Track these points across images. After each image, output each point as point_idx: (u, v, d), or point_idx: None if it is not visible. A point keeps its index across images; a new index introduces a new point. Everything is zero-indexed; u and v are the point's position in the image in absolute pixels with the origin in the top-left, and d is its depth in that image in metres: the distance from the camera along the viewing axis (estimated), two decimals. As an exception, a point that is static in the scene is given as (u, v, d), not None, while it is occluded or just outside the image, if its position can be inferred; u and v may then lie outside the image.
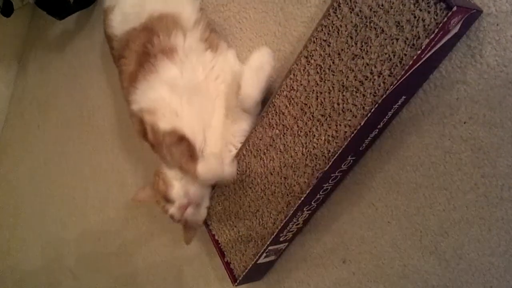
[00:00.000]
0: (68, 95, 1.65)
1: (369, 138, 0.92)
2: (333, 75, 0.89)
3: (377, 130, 0.91)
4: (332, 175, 0.95)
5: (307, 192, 0.95)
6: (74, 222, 1.72)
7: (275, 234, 1.02)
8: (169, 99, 1.09)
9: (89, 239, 1.67)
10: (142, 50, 1.13)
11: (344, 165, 0.95)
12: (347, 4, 0.87)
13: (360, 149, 0.94)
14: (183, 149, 1.06)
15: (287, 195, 0.99)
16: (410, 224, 0.92)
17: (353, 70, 0.86)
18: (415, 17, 0.78)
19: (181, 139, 1.07)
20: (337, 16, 0.88)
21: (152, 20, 1.14)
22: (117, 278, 1.59)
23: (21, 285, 1.96)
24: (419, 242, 0.91)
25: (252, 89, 1.01)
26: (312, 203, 1.00)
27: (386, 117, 0.89)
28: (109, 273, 1.63)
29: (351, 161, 0.95)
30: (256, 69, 1.01)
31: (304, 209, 1.00)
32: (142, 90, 1.12)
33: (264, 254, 1.07)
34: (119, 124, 1.49)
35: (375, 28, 0.83)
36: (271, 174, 1.03)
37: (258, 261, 1.09)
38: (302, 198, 0.96)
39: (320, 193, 0.99)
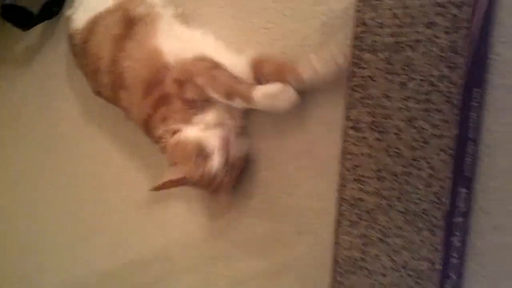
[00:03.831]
0: (35, 108, 1.63)
1: (468, 157, 0.74)
2: (392, 118, 0.78)
3: (471, 142, 0.75)
4: (454, 220, 0.74)
5: (440, 259, 0.72)
6: (48, 247, 1.64)
7: None
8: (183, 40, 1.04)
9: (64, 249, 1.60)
10: (124, 19, 1.09)
11: (461, 203, 0.74)
12: (366, 50, 0.81)
13: (466, 174, 0.75)
14: (226, 73, 0.95)
15: (418, 283, 0.75)
16: None
17: (410, 97, 0.76)
18: (440, 5, 0.73)
19: (216, 64, 0.97)
20: (362, 68, 0.82)
21: (122, 3, 1.13)
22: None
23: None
24: None
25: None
26: (451, 274, 0.75)
27: (472, 122, 0.74)
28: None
29: (465, 194, 0.75)
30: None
31: (447, 287, 0.74)
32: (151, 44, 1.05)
33: None
34: (85, 130, 1.47)
35: (409, 45, 0.77)
36: (384, 276, 0.80)
37: None
38: (438, 269, 0.71)
39: (454, 255, 0.75)
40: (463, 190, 0.75)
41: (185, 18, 1.10)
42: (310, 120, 0.97)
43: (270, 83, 0.92)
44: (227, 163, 0.97)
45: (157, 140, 1.06)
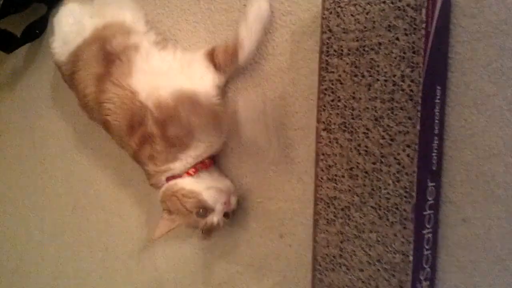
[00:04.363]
0: (18, 130, 1.65)
1: (434, 151, 0.78)
2: (360, 118, 0.81)
3: (436, 137, 0.78)
4: (424, 213, 0.77)
5: (412, 251, 0.75)
6: (32, 257, 1.68)
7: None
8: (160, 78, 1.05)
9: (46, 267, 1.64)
10: (102, 53, 1.09)
11: (429, 197, 0.78)
12: (333, 54, 0.85)
13: (434, 168, 0.78)
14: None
15: (393, 275, 0.77)
16: None
17: (376, 97, 0.79)
18: (399, 8, 0.76)
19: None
20: (331, 72, 0.85)
21: (99, 32, 1.13)
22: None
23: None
24: None
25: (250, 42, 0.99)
26: (425, 265, 0.78)
27: (436, 119, 0.78)
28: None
29: (433, 188, 0.78)
30: (252, 21, 0.99)
31: (421, 278, 0.77)
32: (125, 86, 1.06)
33: None
34: (69, 151, 1.50)
35: (372, 48, 0.80)
36: (361, 270, 0.82)
37: None
38: (411, 261, 0.75)
39: (426, 247, 0.78)
40: (431, 184, 0.78)
41: (164, 43, 1.12)
42: (286, 126, 1.00)
43: (225, 66, 1.02)
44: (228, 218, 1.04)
45: (147, 175, 1.09)
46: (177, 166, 1.04)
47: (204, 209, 1.00)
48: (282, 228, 1.02)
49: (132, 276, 1.37)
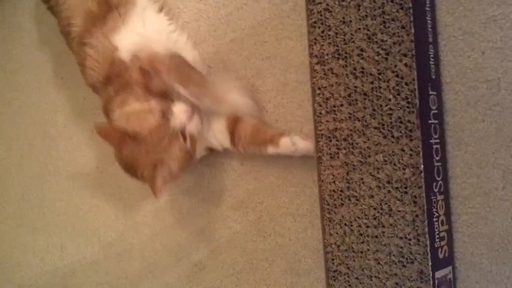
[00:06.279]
0: None
1: (431, 60, 0.76)
2: (353, 41, 0.79)
3: (432, 46, 0.77)
4: (429, 122, 0.74)
5: (422, 160, 0.71)
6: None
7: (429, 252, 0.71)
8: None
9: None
10: None
11: (432, 105, 0.75)
12: (320, -15, 0.83)
13: (433, 77, 0.76)
14: (198, 72, 0.99)
15: (405, 192, 0.74)
16: None
17: (366, 15, 0.78)
18: None
19: (189, 63, 0.99)
20: (318, 3, 0.84)
21: None
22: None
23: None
24: None
25: None
26: (437, 177, 0.75)
27: (429, 26, 0.77)
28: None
29: (435, 97, 0.76)
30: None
31: (435, 190, 0.73)
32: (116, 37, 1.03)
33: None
34: (41, 78, 1.47)
35: (357, -33, 0.78)
36: (372, 197, 0.79)
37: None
38: (422, 170, 0.71)
39: (436, 158, 0.75)
40: (433, 93, 0.76)
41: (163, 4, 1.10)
42: (254, 56, 1.01)
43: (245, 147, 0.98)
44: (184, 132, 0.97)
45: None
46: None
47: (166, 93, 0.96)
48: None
49: (99, 206, 1.35)
